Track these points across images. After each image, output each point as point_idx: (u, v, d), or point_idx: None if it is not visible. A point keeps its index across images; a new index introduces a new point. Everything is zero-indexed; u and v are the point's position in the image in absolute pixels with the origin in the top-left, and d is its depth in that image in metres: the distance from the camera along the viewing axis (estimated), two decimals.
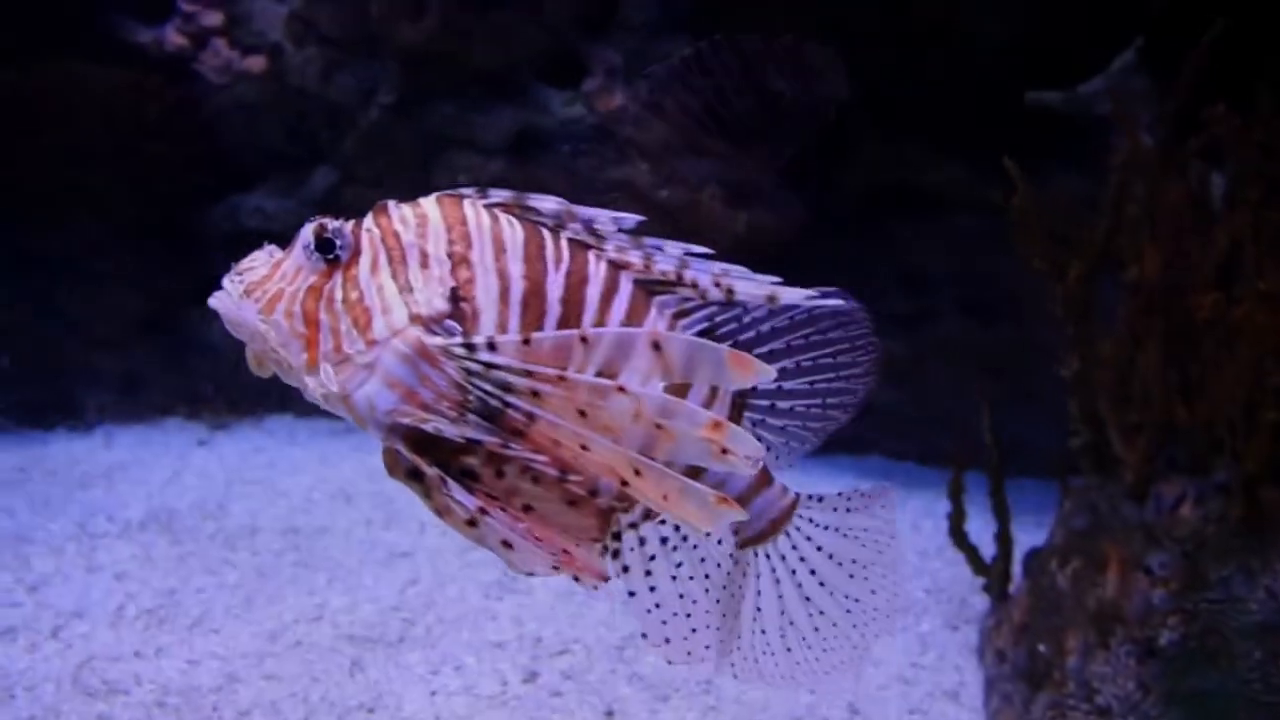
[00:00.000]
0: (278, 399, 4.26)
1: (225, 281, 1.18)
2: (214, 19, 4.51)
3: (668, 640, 1.33)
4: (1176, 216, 1.83)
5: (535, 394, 1.11)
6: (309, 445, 3.92)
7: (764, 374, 1.13)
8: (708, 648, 1.35)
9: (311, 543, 3.13)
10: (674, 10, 3.88)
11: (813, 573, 1.38)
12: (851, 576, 1.40)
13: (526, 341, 1.12)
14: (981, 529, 2.67)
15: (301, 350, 1.13)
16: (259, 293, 1.14)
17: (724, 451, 1.12)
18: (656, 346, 1.10)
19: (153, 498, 3.44)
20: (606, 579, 1.19)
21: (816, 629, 1.38)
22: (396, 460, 1.18)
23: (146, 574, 3.00)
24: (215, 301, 1.18)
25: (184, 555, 3.10)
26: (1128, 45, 3.11)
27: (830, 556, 1.38)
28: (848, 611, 1.39)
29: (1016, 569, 2.49)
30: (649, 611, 1.31)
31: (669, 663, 1.37)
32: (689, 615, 1.33)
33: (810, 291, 1.23)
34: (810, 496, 1.39)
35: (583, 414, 1.11)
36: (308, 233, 1.16)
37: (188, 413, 4.20)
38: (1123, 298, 2.02)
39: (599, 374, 1.12)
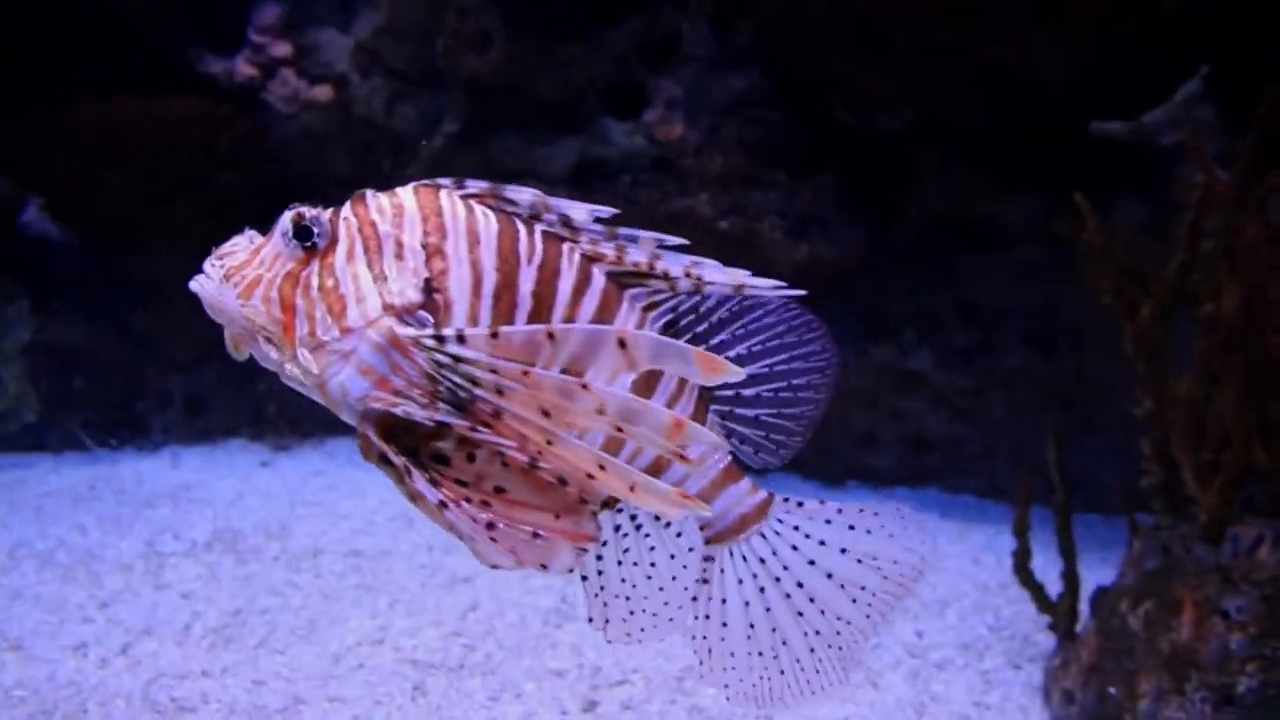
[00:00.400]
0: (338, 422, 4.31)
1: (206, 266, 1.19)
2: (283, 50, 4.61)
3: (609, 621, 1.36)
4: (1255, 252, 1.81)
5: (500, 390, 1.12)
6: (369, 468, 3.95)
7: (733, 374, 1.14)
8: (644, 631, 1.36)
9: (374, 566, 3.17)
10: (733, 42, 3.91)
11: (800, 584, 1.35)
12: (843, 588, 1.35)
13: (495, 335, 1.13)
14: (1045, 565, 2.64)
15: (280, 335, 1.15)
16: (238, 277, 1.16)
17: (682, 456, 1.12)
18: (623, 344, 1.11)
19: (218, 518, 3.50)
20: (596, 540, 1.19)
21: (804, 634, 1.36)
22: (370, 445, 1.22)
23: (212, 593, 3.05)
24: (196, 285, 1.19)
25: (249, 575, 3.15)
26: (1192, 74, 3.09)
27: (814, 564, 1.36)
28: (836, 625, 1.37)
29: (1083, 607, 2.45)
30: (596, 595, 1.35)
31: (609, 642, 1.38)
32: (636, 599, 1.35)
33: (776, 281, 1.24)
34: (800, 503, 1.36)
35: (547, 413, 1.12)
36: (286, 220, 1.18)
37: (251, 434, 4.28)
38: (1198, 335, 1.99)
39: (566, 369, 1.11)
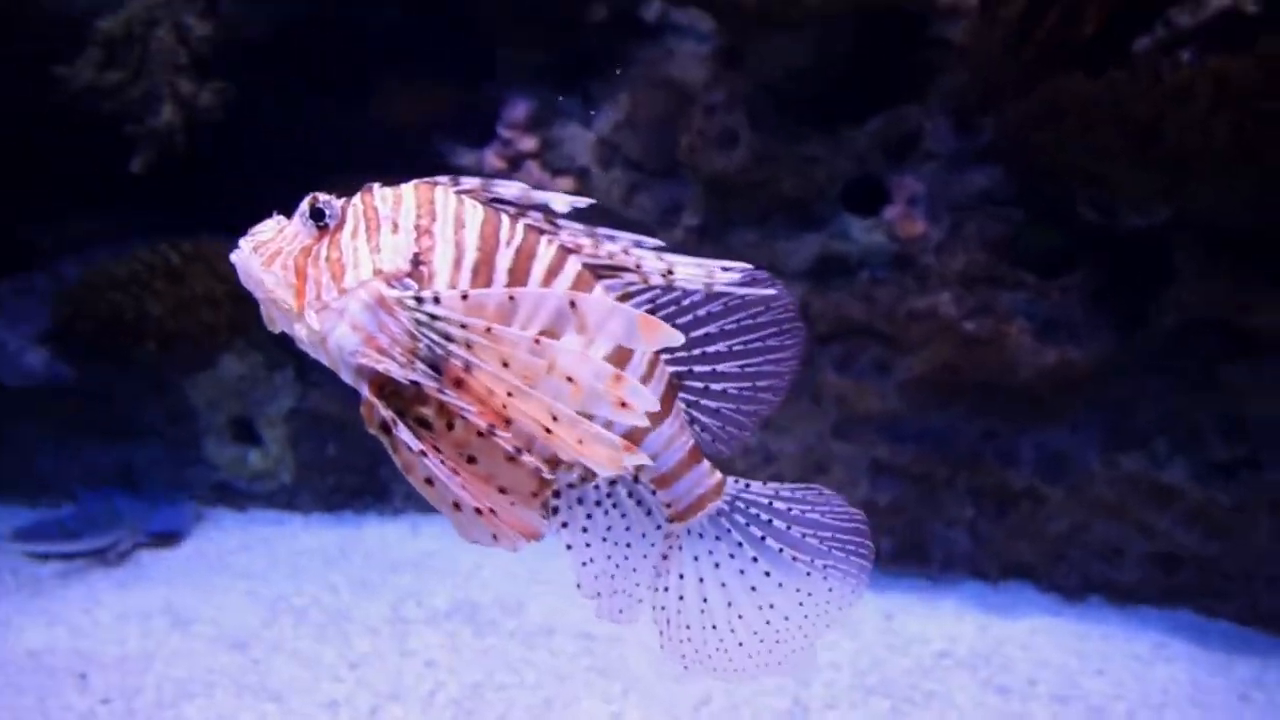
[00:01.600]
0: None
1: (241, 241, 1.36)
2: (529, 143, 4.88)
3: (599, 594, 1.45)
4: None
5: (469, 345, 1.27)
6: None
7: (672, 338, 1.26)
8: (626, 607, 1.46)
9: (607, 649, 3.22)
10: (976, 139, 3.88)
11: (754, 559, 1.45)
12: (795, 560, 1.45)
13: (465, 296, 1.28)
14: None
15: (292, 298, 1.32)
16: (264, 250, 1.33)
17: (623, 404, 1.24)
18: (573, 305, 1.26)
19: (457, 589, 3.64)
20: (539, 538, 1.32)
21: (759, 608, 1.45)
22: (372, 414, 1.33)
23: (454, 663, 3.17)
24: (234, 255, 1.35)
25: (487, 649, 3.26)
26: None
27: (767, 542, 1.45)
28: (795, 600, 1.46)
29: None
30: (584, 565, 1.45)
31: (597, 617, 1.46)
32: (615, 574, 1.45)
33: (742, 276, 1.33)
34: (747, 484, 1.47)
35: (506, 365, 1.26)
36: (305, 204, 1.35)
37: None
38: None
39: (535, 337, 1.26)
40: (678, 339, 1.27)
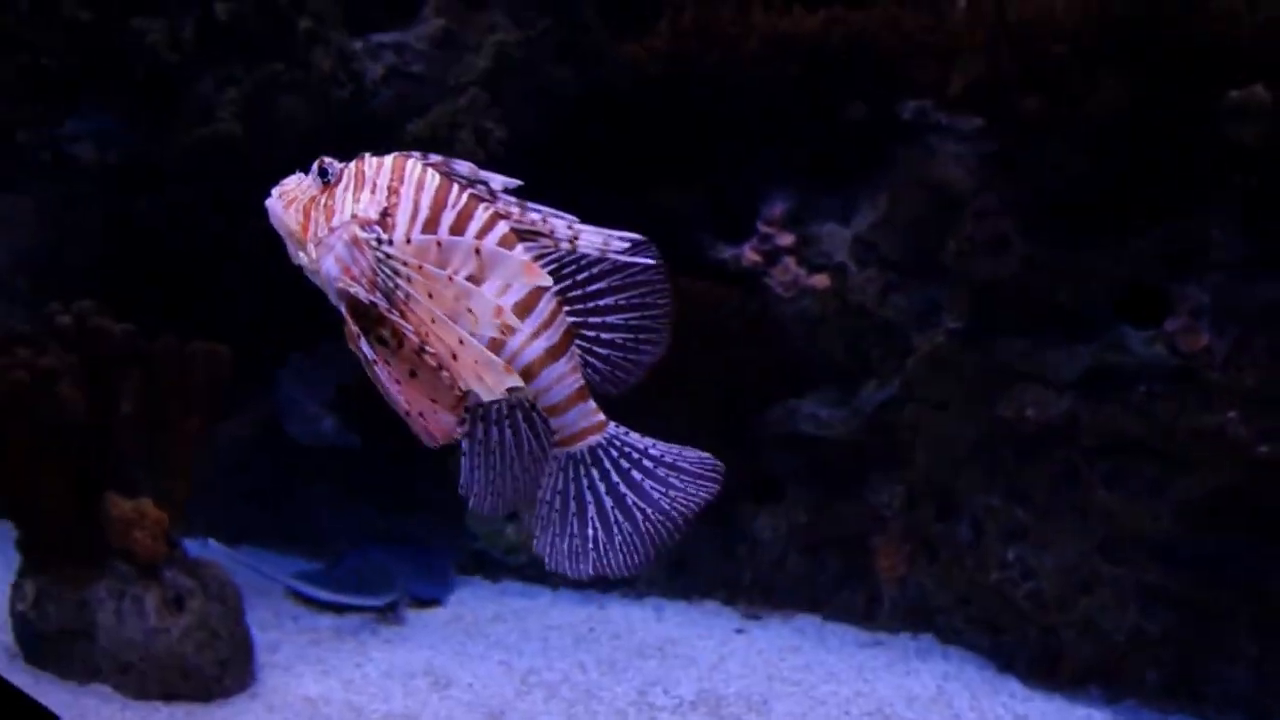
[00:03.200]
0: (808, 599, 4.41)
1: (273, 190, 1.75)
2: (786, 240, 4.96)
3: (475, 491, 1.81)
4: None
5: (409, 279, 1.66)
6: (841, 653, 3.99)
7: (543, 280, 1.67)
8: (504, 502, 1.82)
9: None
10: (1271, 245, 3.66)
11: (617, 484, 1.81)
12: (651, 489, 1.81)
13: (408, 240, 1.68)
14: None
15: (300, 234, 1.72)
16: (286, 198, 1.74)
17: (510, 326, 1.66)
18: (478, 252, 1.66)
19: (702, 679, 3.67)
20: (452, 439, 1.71)
21: (613, 523, 1.80)
22: (351, 332, 1.70)
23: None
24: (267, 201, 1.74)
25: None
26: None
27: (631, 473, 1.81)
28: (642, 520, 1.81)
29: None
30: (473, 469, 1.80)
31: (472, 508, 1.81)
32: (497, 478, 1.81)
33: (627, 245, 1.70)
34: (628, 431, 1.82)
35: (431, 296, 1.65)
36: (315, 164, 1.73)
37: (725, 597, 4.47)
38: None
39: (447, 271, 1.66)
40: (547, 281, 1.67)
